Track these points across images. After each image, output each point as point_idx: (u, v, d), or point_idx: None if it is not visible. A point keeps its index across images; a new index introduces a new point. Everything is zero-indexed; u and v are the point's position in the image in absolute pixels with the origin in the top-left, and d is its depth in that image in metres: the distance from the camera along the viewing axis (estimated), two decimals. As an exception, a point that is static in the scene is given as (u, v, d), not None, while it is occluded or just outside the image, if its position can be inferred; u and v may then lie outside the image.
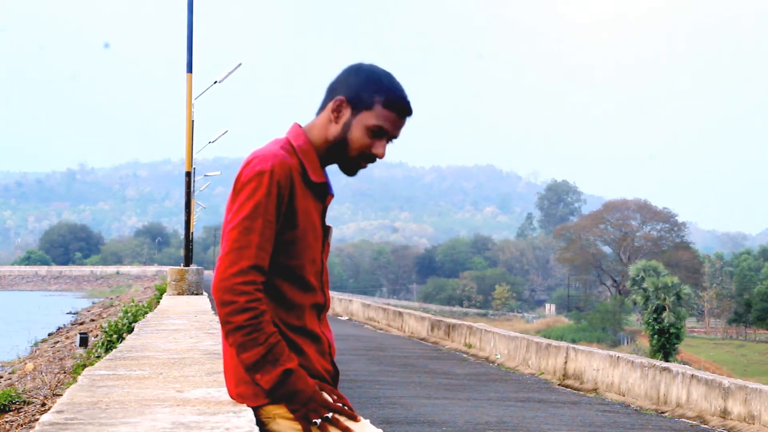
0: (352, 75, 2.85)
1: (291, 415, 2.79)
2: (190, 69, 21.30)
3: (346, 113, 2.83)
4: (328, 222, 2.95)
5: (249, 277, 2.69)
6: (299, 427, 2.78)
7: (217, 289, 2.70)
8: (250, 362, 2.70)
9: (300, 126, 2.90)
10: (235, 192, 2.76)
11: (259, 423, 2.82)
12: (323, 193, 2.90)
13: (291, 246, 2.81)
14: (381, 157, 2.85)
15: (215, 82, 28.68)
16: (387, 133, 2.84)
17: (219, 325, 2.93)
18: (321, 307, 2.92)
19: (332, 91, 2.88)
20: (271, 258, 2.80)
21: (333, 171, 2.94)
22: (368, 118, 2.81)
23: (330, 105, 2.86)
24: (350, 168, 2.88)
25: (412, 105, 2.89)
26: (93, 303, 62.03)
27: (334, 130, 2.84)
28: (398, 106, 2.83)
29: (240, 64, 28.23)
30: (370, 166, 2.91)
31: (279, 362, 2.70)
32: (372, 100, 2.81)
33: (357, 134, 2.82)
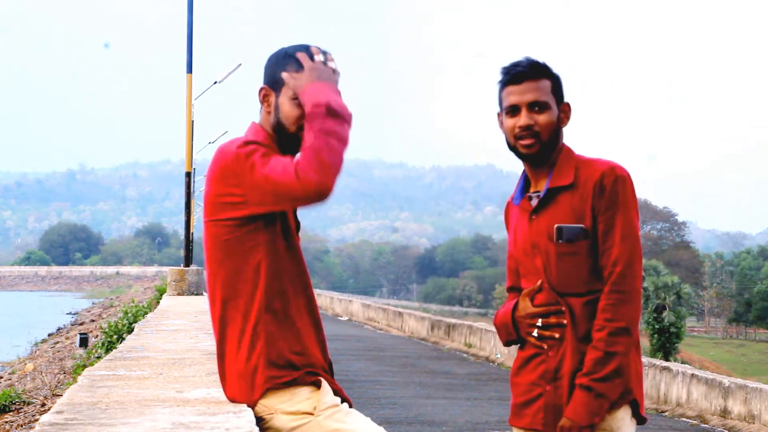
0: (267, 63, 2.94)
1: (292, 410, 2.80)
2: (190, 69, 21.29)
3: (272, 98, 2.90)
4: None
5: None
6: (301, 420, 2.80)
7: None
8: None
9: (258, 124, 2.96)
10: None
11: (260, 420, 2.83)
12: None
13: None
14: None
15: (215, 82, 28.66)
16: None
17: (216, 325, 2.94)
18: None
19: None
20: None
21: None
22: (289, 90, 2.86)
23: (259, 99, 2.95)
24: (300, 145, 2.86)
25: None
26: (93, 303, 61.95)
27: (271, 117, 2.91)
28: None
29: (240, 64, 28.20)
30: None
31: None
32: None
33: (287, 110, 2.87)
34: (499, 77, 2.99)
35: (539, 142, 2.91)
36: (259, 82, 2.96)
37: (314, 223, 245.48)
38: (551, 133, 2.92)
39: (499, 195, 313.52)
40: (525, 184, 3.05)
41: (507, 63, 2.98)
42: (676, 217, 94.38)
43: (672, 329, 46.86)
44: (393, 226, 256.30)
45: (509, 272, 3.11)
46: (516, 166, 3.04)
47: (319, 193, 2.63)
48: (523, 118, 2.90)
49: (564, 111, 2.98)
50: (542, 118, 2.90)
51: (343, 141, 2.68)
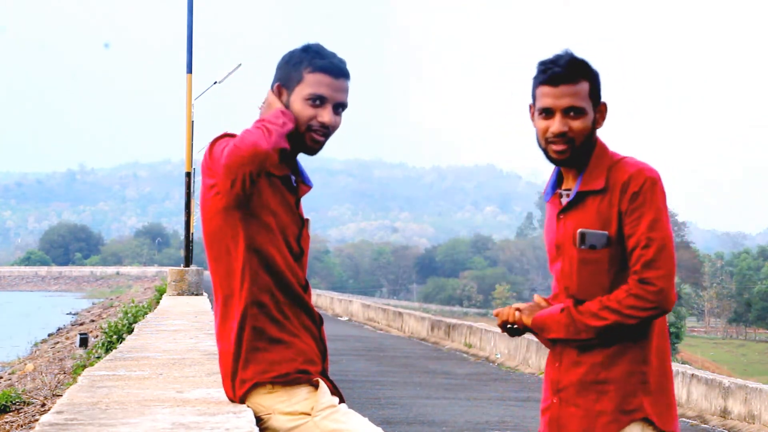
0: (281, 61, 2.93)
1: (290, 410, 2.81)
2: (190, 69, 21.29)
3: (284, 95, 2.88)
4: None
5: None
6: (298, 421, 2.81)
7: None
8: None
9: None
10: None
11: (258, 420, 2.83)
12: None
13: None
14: (329, 123, 2.86)
15: (215, 83, 28.68)
16: (327, 98, 2.85)
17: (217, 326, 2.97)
18: None
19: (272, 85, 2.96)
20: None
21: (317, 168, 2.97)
22: (303, 90, 2.86)
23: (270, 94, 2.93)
24: (305, 145, 2.88)
25: (346, 65, 2.90)
26: (93, 303, 61.92)
27: None
28: (326, 67, 2.86)
29: (240, 65, 28.22)
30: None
31: None
32: (301, 73, 2.86)
33: (298, 108, 2.86)
34: (535, 72, 2.82)
35: (572, 148, 2.76)
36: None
37: (314, 223, 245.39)
38: (585, 138, 2.77)
39: (499, 195, 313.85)
40: (558, 178, 2.89)
41: (545, 58, 2.81)
42: (676, 218, 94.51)
43: (672, 329, 46.95)
44: (393, 226, 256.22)
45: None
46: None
47: (226, 170, 2.71)
48: (556, 124, 2.75)
49: (600, 111, 2.82)
50: (577, 124, 2.75)
51: (244, 144, 2.70)
